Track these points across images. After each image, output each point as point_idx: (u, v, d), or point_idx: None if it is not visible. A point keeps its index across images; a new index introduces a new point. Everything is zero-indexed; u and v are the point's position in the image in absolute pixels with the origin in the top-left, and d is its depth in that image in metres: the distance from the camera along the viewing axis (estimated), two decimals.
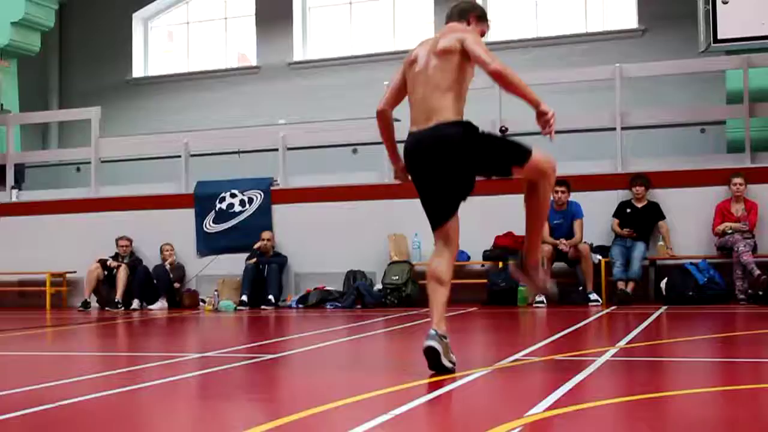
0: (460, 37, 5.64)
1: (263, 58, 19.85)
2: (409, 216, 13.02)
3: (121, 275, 13.51)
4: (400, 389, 5.00)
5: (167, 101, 20.06)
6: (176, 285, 13.65)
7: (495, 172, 5.72)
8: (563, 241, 11.78)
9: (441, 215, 5.73)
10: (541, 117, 5.37)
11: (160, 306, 13.25)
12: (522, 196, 5.86)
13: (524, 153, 5.50)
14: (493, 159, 5.62)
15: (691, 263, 11.55)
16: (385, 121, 6.16)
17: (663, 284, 11.54)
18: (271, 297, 12.85)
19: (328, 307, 12.56)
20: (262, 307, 12.73)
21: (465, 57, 5.57)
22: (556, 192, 11.62)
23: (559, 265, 12.04)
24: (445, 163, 5.58)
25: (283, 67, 19.56)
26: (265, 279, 13.10)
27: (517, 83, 5.36)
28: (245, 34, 20.52)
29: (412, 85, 5.81)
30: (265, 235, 13.44)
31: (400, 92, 6.00)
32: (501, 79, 5.38)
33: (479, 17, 6.01)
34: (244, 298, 12.86)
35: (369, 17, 19.65)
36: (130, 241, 13.98)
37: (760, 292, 10.96)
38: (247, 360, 6.69)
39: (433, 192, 5.76)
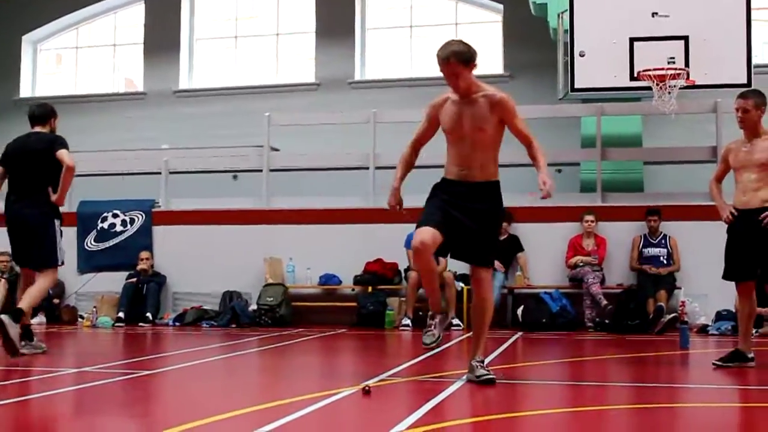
0: None
1: (150, 84, 19.50)
2: (285, 240, 13.06)
3: (0, 290, 13.01)
4: (272, 406, 4.94)
5: None
6: (55, 301, 13.20)
7: None
8: None
9: None
10: None
11: (38, 321, 12.74)
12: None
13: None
14: None
15: (546, 293, 11.80)
16: None
17: (519, 311, 11.76)
18: (148, 314, 12.57)
19: (204, 325, 12.36)
20: (140, 324, 12.43)
21: None
22: None
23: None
24: None
25: (168, 94, 19.25)
26: (144, 297, 12.82)
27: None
28: (133, 61, 20.14)
29: None
30: (143, 255, 13.18)
31: None
32: None
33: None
34: (121, 314, 12.55)
35: (253, 51, 19.56)
36: (10, 256, 13.46)
37: (606, 321, 11.27)
38: (124, 375, 6.52)
39: None
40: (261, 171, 13.76)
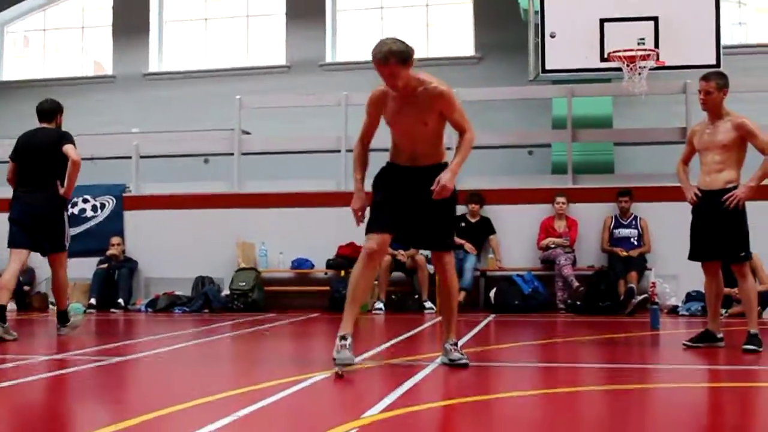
0: None
1: (119, 67, 19.37)
2: (257, 225, 13.02)
3: None
4: (245, 392, 4.95)
5: (20, 106, 19.26)
6: (26, 288, 13.11)
7: None
8: (401, 251, 11.89)
9: None
10: None
11: (9, 308, 12.65)
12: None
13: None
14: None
15: (518, 275, 11.85)
16: None
17: (492, 294, 11.81)
18: (120, 300, 12.53)
19: (177, 311, 12.33)
20: (111, 310, 12.38)
21: None
22: None
23: (397, 274, 12.17)
24: None
25: (138, 77, 19.13)
26: (115, 283, 12.76)
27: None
28: (102, 44, 19.99)
29: None
30: (114, 240, 13.11)
31: None
32: None
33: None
34: (93, 301, 12.49)
35: (223, 33, 19.46)
36: None
37: (578, 302, 11.35)
38: (95, 362, 6.49)
39: None
40: (232, 155, 13.71)
